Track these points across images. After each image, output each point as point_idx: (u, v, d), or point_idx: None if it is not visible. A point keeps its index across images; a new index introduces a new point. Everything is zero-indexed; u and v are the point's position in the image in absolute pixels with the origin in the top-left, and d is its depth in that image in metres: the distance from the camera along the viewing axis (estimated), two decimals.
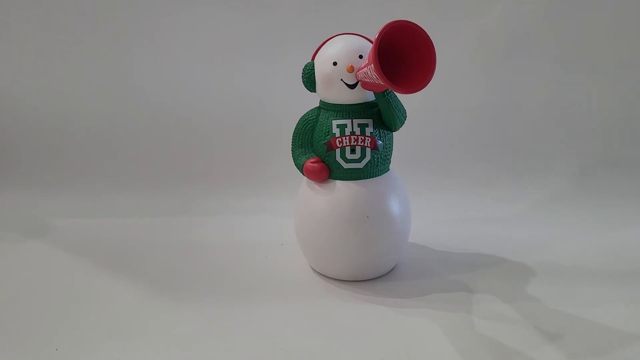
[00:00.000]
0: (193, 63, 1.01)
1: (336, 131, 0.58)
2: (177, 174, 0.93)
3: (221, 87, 1.00)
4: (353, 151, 0.58)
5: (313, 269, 0.65)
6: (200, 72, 1.01)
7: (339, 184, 0.59)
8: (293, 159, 0.61)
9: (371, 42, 0.57)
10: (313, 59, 0.60)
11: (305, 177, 0.61)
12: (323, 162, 0.59)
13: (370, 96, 0.59)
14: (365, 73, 0.54)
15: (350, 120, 0.59)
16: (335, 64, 0.58)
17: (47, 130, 1.00)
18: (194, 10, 1.00)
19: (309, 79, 0.60)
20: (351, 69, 0.57)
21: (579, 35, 0.95)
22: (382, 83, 0.50)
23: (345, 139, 0.58)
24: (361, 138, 0.58)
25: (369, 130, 0.58)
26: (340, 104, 0.59)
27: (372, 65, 0.50)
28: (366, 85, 0.57)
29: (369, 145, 0.58)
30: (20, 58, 1.02)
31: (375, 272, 0.62)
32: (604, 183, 0.85)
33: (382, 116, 0.59)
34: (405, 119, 0.61)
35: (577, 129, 0.93)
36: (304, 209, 0.61)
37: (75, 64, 1.02)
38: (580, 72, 0.95)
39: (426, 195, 0.82)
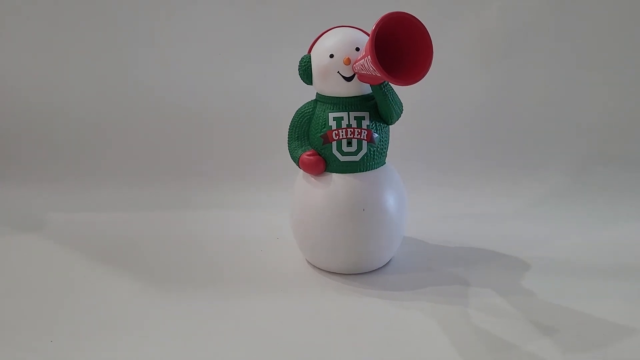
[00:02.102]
0: (189, 58, 1.01)
1: (332, 124, 0.58)
2: (173, 169, 0.93)
3: (217, 81, 1.00)
4: (349, 144, 0.58)
5: (309, 262, 0.65)
6: (196, 67, 1.00)
7: (335, 176, 0.59)
8: (289, 151, 0.61)
9: (368, 34, 0.57)
10: (310, 51, 0.60)
11: (301, 170, 0.61)
12: (319, 154, 0.59)
13: (366, 89, 0.59)
14: (362, 65, 0.54)
15: (347, 112, 0.58)
16: (332, 56, 0.58)
17: (44, 125, 0.99)
18: (191, 5, 1.00)
19: (305, 72, 0.60)
20: (348, 61, 0.57)
21: (577, 32, 0.95)
22: (378, 75, 0.50)
23: (342, 131, 0.58)
24: (357, 131, 0.58)
25: (365, 123, 0.58)
26: (337, 97, 0.59)
27: (369, 56, 0.50)
28: (363, 78, 0.57)
29: (365, 138, 0.58)
30: (17, 52, 1.02)
31: (371, 265, 0.62)
32: (601, 179, 0.86)
33: (378, 109, 0.59)
34: (401, 112, 0.61)
35: (574, 125, 0.93)
36: (300, 202, 0.61)
37: (72, 59, 1.01)
38: (579, 68, 0.95)
39: (422, 189, 0.82)
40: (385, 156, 0.61)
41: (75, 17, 1.00)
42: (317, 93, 0.61)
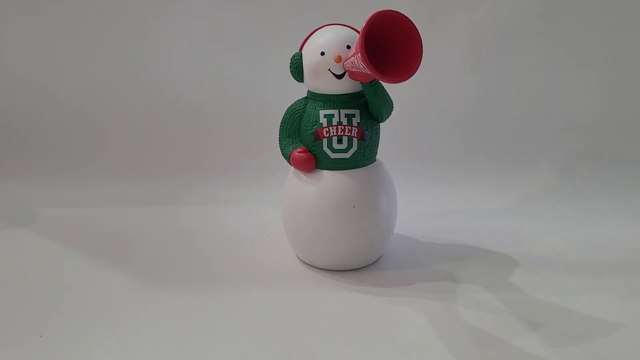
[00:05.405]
0: (183, 54, 1.01)
1: (323, 121, 0.59)
2: (165, 165, 0.93)
3: (211, 78, 1.00)
4: (340, 141, 0.59)
5: (299, 258, 0.65)
6: (190, 64, 1.00)
7: (326, 173, 0.59)
8: (280, 148, 0.62)
9: (359, 32, 0.57)
10: (301, 49, 0.61)
11: (292, 167, 0.62)
12: (310, 151, 0.60)
13: (357, 86, 0.59)
14: (352, 63, 0.54)
15: (338, 110, 0.59)
16: (323, 54, 0.58)
17: (36, 120, 0.99)
18: (185, 1, 1.00)
19: (296, 69, 0.60)
20: (339, 59, 0.57)
21: (567, 30, 0.96)
22: (368, 72, 0.50)
23: (332, 129, 0.59)
24: (348, 128, 0.59)
25: (356, 120, 0.59)
26: (328, 94, 0.59)
27: (359, 54, 0.50)
28: (353, 75, 0.57)
29: (355, 136, 0.59)
30: (10, 47, 1.01)
31: (361, 261, 0.63)
32: (589, 177, 0.86)
33: (369, 107, 0.60)
34: (392, 110, 0.61)
35: (563, 123, 0.94)
36: (290, 199, 0.61)
37: (65, 53, 1.01)
38: (568, 67, 0.96)
39: (413, 187, 0.83)
40: (376, 153, 0.62)
41: (70, 12, 1.00)
42: (308, 90, 0.61)
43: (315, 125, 0.59)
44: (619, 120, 0.94)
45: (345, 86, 0.59)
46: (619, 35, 0.95)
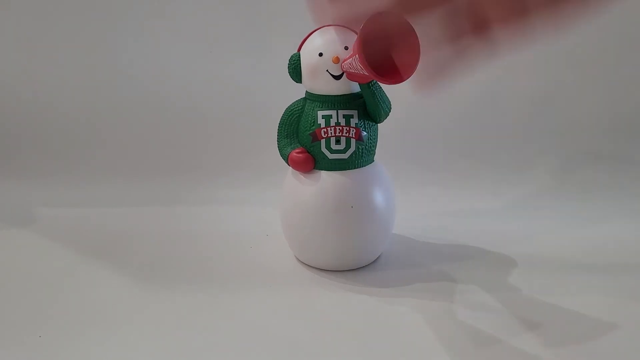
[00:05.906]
0: (182, 53, 1.01)
1: (321, 122, 0.59)
2: (165, 165, 0.93)
3: (210, 78, 1.00)
4: (338, 142, 0.59)
5: (298, 259, 0.65)
6: (189, 63, 1.01)
7: (324, 174, 0.60)
8: (279, 149, 0.62)
9: (357, 33, 0.58)
10: (299, 49, 0.61)
11: (290, 168, 0.62)
12: (308, 152, 0.60)
13: (356, 87, 0.60)
14: (350, 64, 0.54)
15: (336, 111, 0.59)
16: (321, 54, 0.58)
17: (36, 120, 0.99)
18: (182, 0, 1.00)
19: (294, 70, 0.60)
20: (337, 60, 0.57)
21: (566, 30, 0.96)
22: (366, 73, 0.51)
23: (330, 129, 0.59)
24: (346, 129, 0.59)
25: (353, 121, 0.59)
26: (326, 95, 0.59)
27: (357, 55, 0.50)
28: (351, 76, 0.57)
29: (353, 136, 0.59)
30: (5, 47, 1.01)
31: (359, 262, 0.63)
32: (585, 177, 0.86)
33: (367, 107, 0.60)
34: (389, 111, 0.61)
35: (560, 124, 0.94)
36: (289, 199, 0.62)
37: (64, 53, 1.01)
38: (564, 67, 0.96)
39: (411, 187, 0.83)
40: (374, 154, 0.62)
41: (69, 12, 1.00)
42: (306, 91, 0.62)
43: (313, 125, 0.59)
44: (619, 120, 0.94)
45: (343, 87, 0.59)
46: (619, 35, 0.95)
